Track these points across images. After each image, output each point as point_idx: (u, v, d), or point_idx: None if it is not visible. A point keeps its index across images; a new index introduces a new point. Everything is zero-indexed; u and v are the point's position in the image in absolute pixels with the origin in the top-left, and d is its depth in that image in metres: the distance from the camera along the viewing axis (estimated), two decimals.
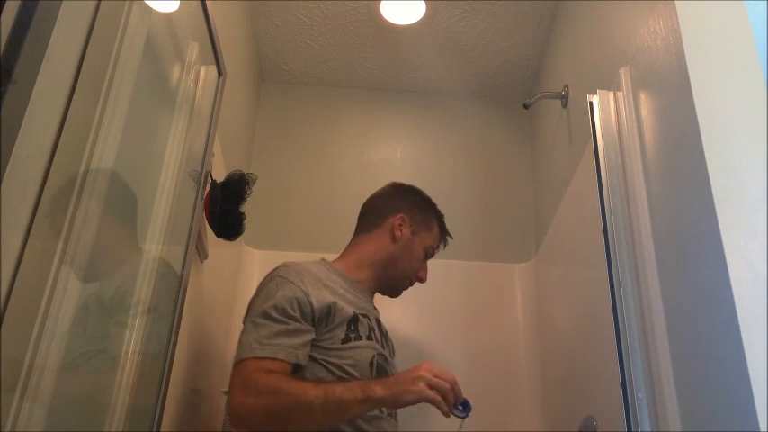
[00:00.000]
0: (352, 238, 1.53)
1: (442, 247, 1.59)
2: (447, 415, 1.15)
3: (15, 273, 0.59)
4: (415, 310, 1.98)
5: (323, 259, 1.44)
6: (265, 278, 1.33)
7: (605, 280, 1.16)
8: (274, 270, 1.33)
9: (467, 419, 1.16)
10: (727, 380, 0.83)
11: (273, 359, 1.17)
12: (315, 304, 1.25)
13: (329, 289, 1.31)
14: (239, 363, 1.18)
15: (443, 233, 1.57)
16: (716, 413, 0.86)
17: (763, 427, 0.75)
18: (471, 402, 1.17)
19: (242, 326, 1.30)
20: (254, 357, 1.16)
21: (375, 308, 1.47)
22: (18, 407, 0.62)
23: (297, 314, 1.23)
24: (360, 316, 1.33)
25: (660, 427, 0.98)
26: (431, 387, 1.12)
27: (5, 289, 0.57)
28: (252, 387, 1.13)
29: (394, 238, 1.46)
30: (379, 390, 1.12)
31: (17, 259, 0.59)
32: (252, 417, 1.11)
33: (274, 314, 1.22)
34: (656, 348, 1.02)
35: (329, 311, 1.27)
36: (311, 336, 1.24)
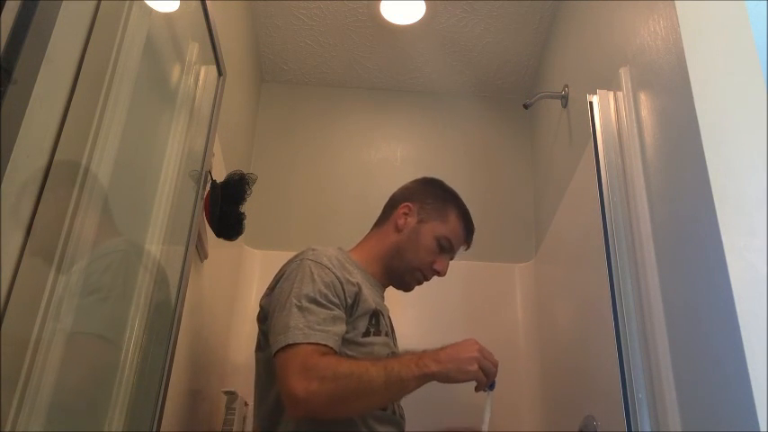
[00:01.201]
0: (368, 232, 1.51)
1: (464, 242, 1.49)
2: (478, 391, 1.21)
3: (15, 273, 0.59)
4: (415, 310, 1.98)
5: (340, 248, 1.40)
6: (293, 261, 1.29)
7: (605, 280, 1.16)
8: (302, 253, 1.30)
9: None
10: (727, 380, 0.83)
11: (325, 345, 1.14)
12: (347, 292, 1.25)
13: (353, 277, 1.29)
14: (290, 347, 1.12)
15: (466, 227, 1.48)
16: (716, 413, 0.86)
17: (763, 427, 0.75)
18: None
19: (264, 308, 1.27)
20: (308, 343, 1.13)
21: (386, 306, 1.45)
22: (18, 407, 0.62)
23: (338, 301, 1.22)
24: (380, 311, 1.33)
25: (660, 427, 0.98)
26: (481, 368, 1.16)
27: (5, 289, 0.57)
28: (313, 371, 1.09)
29: (397, 228, 1.44)
30: (433, 366, 1.14)
31: (17, 259, 0.59)
32: (317, 402, 1.08)
33: (321, 299, 1.19)
34: (656, 348, 1.02)
35: (355, 300, 1.27)
36: (345, 325, 1.23)
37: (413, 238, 1.42)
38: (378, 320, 1.31)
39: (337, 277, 1.25)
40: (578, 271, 1.59)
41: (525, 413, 1.91)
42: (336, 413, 1.14)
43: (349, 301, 1.25)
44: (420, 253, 1.41)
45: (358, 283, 1.29)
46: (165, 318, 1.10)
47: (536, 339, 1.97)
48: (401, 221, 1.44)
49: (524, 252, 2.17)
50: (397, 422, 1.29)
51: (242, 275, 2.07)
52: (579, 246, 1.58)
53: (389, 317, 1.42)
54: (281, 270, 1.32)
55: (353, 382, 1.10)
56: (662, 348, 1.01)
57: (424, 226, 1.43)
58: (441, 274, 1.44)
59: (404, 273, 1.43)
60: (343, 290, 1.25)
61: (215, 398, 1.73)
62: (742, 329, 0.80)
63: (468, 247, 1.52)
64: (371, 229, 1.51)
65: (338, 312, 1.21)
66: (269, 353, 1.20)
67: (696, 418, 0.91)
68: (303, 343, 1.13)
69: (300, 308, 1.18)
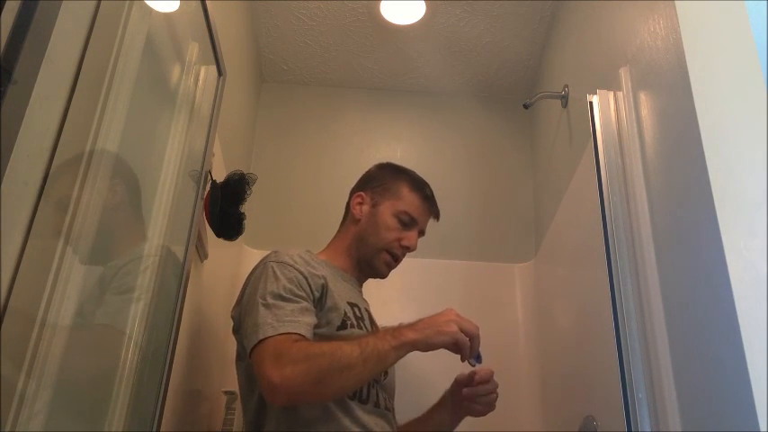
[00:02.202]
0: None
1: (427, 212, 1.47)
2: (464, 360, 1.18)
3: (15, 273, 0.59)
4: (415, 310, 1.97)
5: (307, 250, 1.41)
6: (257, 267, 1.30)
7: (605, 280, 1.16)
8: (265, 258, 1.30)
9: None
10: (727, 380, 0.83)
11: (296, 334, 1.14)
12: (312, 285, 1.25)
13: (318, 272, 1.30)
14: (261, 342, 1.12)
15: (423, 195, 1.46)
16: (716, 413, 0.86)
17: (763, 427, 0.75)
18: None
19: (235, 318, 1.28)
20: (278, 334, 1.12)
21: (365, 300, 1.45)
22: (18, 407, 0.62)
23: (304, 294, 1.22)
24: (355, 304, 1.33)
25: (660, 427, 0.98)
26: (461, 329, 1.15)
27: (5, 289, 0.57)
28: (285, 358, 1.08)
29: (354, 219, 1.44)
30: (410, 334, 1.13)
31: (17, 259, 0.59)
32: (293, 385, 1.07)
33: (286, 294, 1.19)
34: (656, 348, 1.02)
35: (323, 293, 1.27)
36: (315, 317, 1.23)
37: (371, 221, 1.43)
38: (354, 313, 1.31)
39: (300, 272, 1.25)
40: (578, 271, 1.59)
41: (525, 413, 1.91)
42: (316, 394, 1.12)
43: (316, 294, 1.25)
44: (381, 233, 1.41)
45: (324, 276, 1.29)
46: (165, 318, 1.10)
47: (536, 339, 1.97)
48: (356, 211, 1.45)
49: (524, 252, 2.17)
50: (384, 414, 1.28)
51: (242, 275, 2.06)
52: (579, 246, 1.58)
53: (368, 311, 1.41)
54: (247, 279, 1.32)
55: (326, 360, 1.08)
56: (662, 348, 1.01)
57: (380, 208, 1.43)
58: (410, 248, 1.43)
59: (371, 258, 1.42)
60: (309, 283, 1.24)
61: (215, 398, 1.73)
62: (742, 329, 0.80)
63: (437, 216, 1.51)
64: (336, 233, 1.51)
65: (306, 304, 1.21)
66: (247, 360, 1.20)
67: (696, 418, 0.91)
68: (274, 335, 1.12)
69: (267, 305, 1.17)
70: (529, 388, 1.94)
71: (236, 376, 1.70)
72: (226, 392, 1.68)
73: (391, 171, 1.51)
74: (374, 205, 1.44)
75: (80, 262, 0.74)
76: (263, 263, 1.29)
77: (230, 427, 1.62)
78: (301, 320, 1.17)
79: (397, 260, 1.44)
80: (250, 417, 1.25)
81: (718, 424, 0.85)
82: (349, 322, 1.28)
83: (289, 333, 1.13)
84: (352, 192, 1.51)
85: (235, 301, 1.33)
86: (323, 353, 1.10)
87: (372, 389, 1.27)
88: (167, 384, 1.07)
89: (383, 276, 1.46)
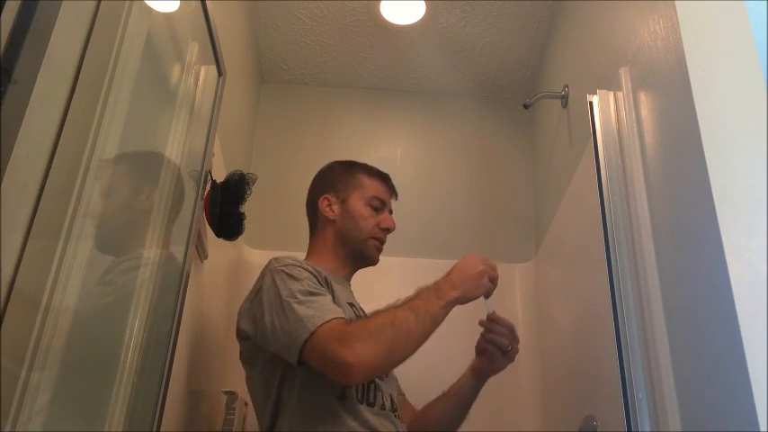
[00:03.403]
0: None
1: (390, 191, 1.53)
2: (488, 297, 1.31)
3: (15, 273, 0.59)
4: None
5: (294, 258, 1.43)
6: (263, 276, 1.30)
7: (605, 280, 1.16)
8: (268, 267, 1.31)
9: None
10: (727, 380, 0.83)
11: (342, 318, 1.17)
12: (321, 280, 1.28)
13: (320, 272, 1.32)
14: (314, 334, 1.12)
15: (381, 178, 1.53)
16: (716, 413, 0.86)
17: (763, 427, 0.75)
18: None
19: (245, 330, 1.29)
20: (326, 321, 1.14)
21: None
22: (18, 407, 0.62)
23: (324, 288, 1.26)
24: (348, 305, 1.34)
25: (660, 427, 0.98)
26: (490, 279, 1.26)
27: (5, 289, 0.57)
28: (349, 337, 1.11)
29: (329, 220, 1.46)
30: (453, 292, 1.20)
31: (17, 259, 0.59)
32: (368, 360, 1.10)
33: (313, 289, 1.22)
34: (656, 348, 1.02)
35: (329, 288, 1.29)
36: None
37: (346, 217, 1.46)
38: (354, 313, 1.34)
39: (310, 271, 1.28)
40: (578, 271, 1.59)
41: (525, 413, 1.91)
42: (388, 365, 1.18)
43: (327, 287, 1.28)
44: (360, 224, 1.45)
45: (325, 276, 1.31)
46: (165, 318, 1.10)
47: (536, 339, 1.97)
48: (329, 212, 1.47)
49: (524, 252, 2.17)
50: (389, 416, 1.28)
51: (242, 275, 2.07)
52: (579, 246, 1.58)
53: (362, 309, 1.43)
54: (254, 288, 1.33)
55: (389, 331, 1.13)
56: (662, 348, 1.01)
57: (349, 202, 1.47)
58: (391, 228, 1.48)
59: (360, 248, 1.45)
60: (318, 279, 1.27)
61: (215, 398, 1.73)
62: (742, 329, 0.80)
63: (396, 194, 1.56)
64: (310, 242, 1.52)
65: (330, 296, 1.25)
66: (264, 366, 1.24)
67: (696, 418, 0.91)
68: (323, 324, 1.14)
69: (300, 302, 1.19)
70: (529, 388, 1.94)
71: (236, 376, 1.71)
72: (226, 392, 1.67)
73: (343, 167, 1.55)
74: (343, 202, 1.47)
75: (80, 263, 0.74)
76: (268, 270, 1.29)
77: (230, 427, 1.62)
78: (334, 308, 1.20)
79: (382, 243, 1.49)
80: (266, 423, 1.26)
81: (718, 424, 0.85)
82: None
83: (335, 318, 1.15)
84: (315, 198, 1.52)
85: (241, 308, 1.34)
86: (383, 325, 1.13)
87: (378, 391, 1.28)
88: (167, 384, 1.07)
89: (376, 262, 1.49)
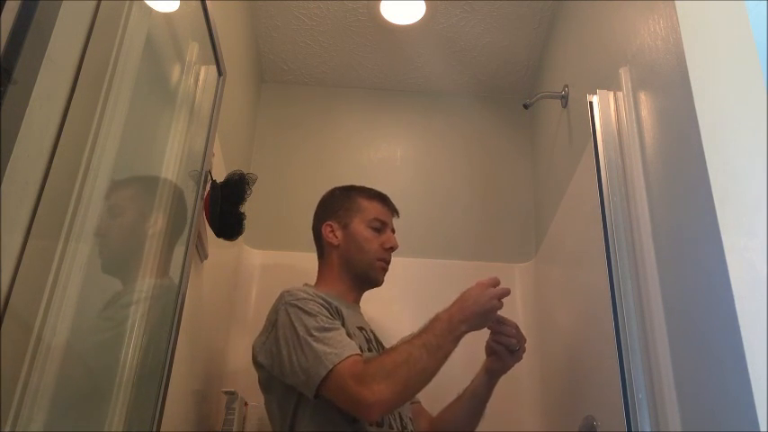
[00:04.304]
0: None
1: (389, 211, 1.57)
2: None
3: (15, 273, 0.59)
4: (415, 311, 1.98)
5: (306, 284, 1.48)
6: (278, 311, 1.32)
7: (605, 280, 1.16)
8: (280, 301, 1.34)
9: None
10: (727, 380, 0.83)
11: (358, 354, 1.22)
12: (332, 311, 1.32)
13: (330, 301, 1.35)
14: (332, 372, 1.18)
15: (380, 199, 1.57)
16: (716, 413, 0.86)
17: (763, 427, 0.75)
18: None
19: (263, 362, 1.32)
20: (344, 359, 1.19)
21: (365, 321, 1.51)
22: (18, 407, 0.62)
23: (336, 320, 1.30)
24: (363, 327, 1.40)
25: (660, 427, 0.98)
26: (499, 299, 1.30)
27: (5, 289, 0.57)
28: (367, 377, 1.17)
29: (333, 246, 1.51)
30: (463, 326, 1.25)
31: (17, 259, 0.59)
32: (385, 399, 1.16)
33: (328, 325, 1.26)
34: (656, 348, 1.02)
35: (341, 316, 1.33)
36: None
37: (350, 241, 1.50)
38: (365, 336, 1.39)
39: (321, 303, 1.31)
40: (578, 271, 1.59)
41: (525, 413, 1.91)
42: (403, 400, 1.24)
43: (338, 318, 1.32)
44: (365, 246, 1.49)
45: (336, 306, 1.35)
46: (165, 318, 1.10)
47: (536, 339, 1.97)
48: (332, 239, 1.52)
49: (524, 252, 2.17)
50: None
51: (242, 275, 2.07)
52: (579, 246, 1.58)
53: (372, 330, 1.49)
54: (268, 321, 1.35)
55: (405, 370, 1.18)
56: (662, 348, 1.01)
57: (351, 226, 1.51)
58: (394, 247, 1.53)
59: (367, 271, 1.50)
60: (330, 311, 1.31)
61: (215, 398, 1.73)
62: (742, 329, 0.80)
63: (397, 212, 1.60)
64: (318, 268, 1.56)
65: (343, 329, 1.29)
66: (279, 394, 1.30)
67: (696, 418, 0.91)
68: (340, 362, 1.19)
69: (317, 339, 1.23)
70: (529, 388, 1.94)
71: (236, 376, 1.73)
72: (226, 392, 1.67)
73: (342, 192, 1.59)
74: (345, 227, 1.52)
75: (80, 263, 0.74)
76: (282, 305, 1.32)
77: (230, 427, 1.62)
78: (350, 343, 1.24)
79: (388, 263, 1.52)
80: None
81: (718, 424, 0.85)
82: (363, 347, 1.35)
83: (351, 355, 1.20)
84: (318, 225, 1.56)
85: (257, 341, 1.37)
86: (399, 363, 1.18)
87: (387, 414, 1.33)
88: (167, 384, 1.07)
89: (380, 283, 1.53)
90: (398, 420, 1.35)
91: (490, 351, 1.45)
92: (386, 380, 1.16)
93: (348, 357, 1.19)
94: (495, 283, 1.31)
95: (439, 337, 1.22)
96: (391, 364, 1.19)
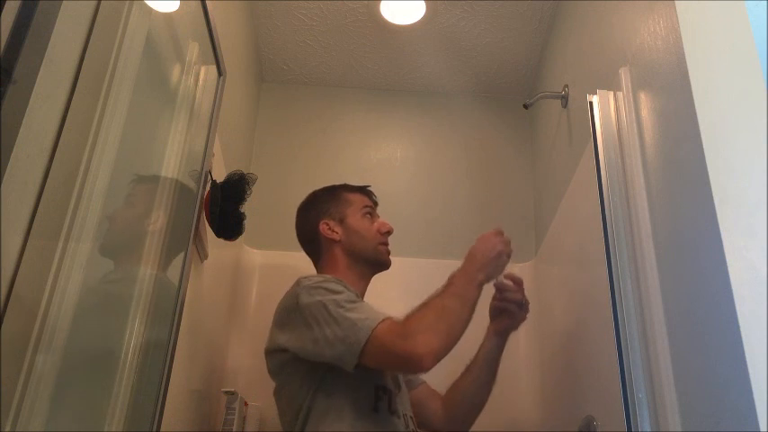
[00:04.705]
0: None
1: (372, 198, 1.62)
2: None
3: (15, 273, 0.59)
4: None
5: None
6: (298, 294, 1.32)
7: (605, 280, 1.16)
8: (298, 285, 1.34)
9: None
10: (727, 380, 0.83)
11: (390, 318, 1.24)
12: (353, 293, 1.34)
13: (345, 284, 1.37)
14: (372, 335, 1.19)
15: (360, 190, 1.62)
16: (716, 413, 0.86)
17: (763, 427, 0.75)
18: None
19: (276, 355, 1.33)
20: (381, 321, 1.21)
21: None
22: (18, 407, 0.62)
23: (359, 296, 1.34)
24: None
25: (660, 427, 0.98)
26: (506, 253, 1.36)
27: (5, 289, 0.57)
28: (410, 332, 1.19)
29: (334, 241, 1.52)
30: (480, 276, 1.31)
31: (17, 259, 0.59)
32: (434, 348, 1.18)
33: (354, 298, 1.30)
34: (656, 348, 1.02)
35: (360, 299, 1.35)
36: None
37: (350, 233, 1.53)
38: None
39: (341, 283, 1.33)
40: (578, 271, 1.59)
41: (525, 413, 1.91)
42: (450, 348, 1.23)
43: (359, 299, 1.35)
44: (365, 234, 1.53)
45: (351, 288, 1.36)
46: (164, 318, 1.10)
47: (536, 339, 1.97)
48: (332, 234, 1.53)
49: (524, 252, 2.17)
50: (407, 422, 1.34)
51: (242, 275, 2.07)
52: (579, 246, 1.58)
53: None
54: (284, 307, 1.35)
55: (444, 320, 1.21)
56: (662, 348, 1.01)
57: (347, 219, 1.55)
58: (390, 230, 1.56)
59: (374, 256, 1.53)
60: (350, 290, 1.33)
61: (215, 398, 1.73)
62: (742, 329, 0.80)
63: (377, 202, 1.63)
64: (318, 268, 1.56)
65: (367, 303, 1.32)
66: (299, 378, 1.29)
67: (696, 418, 0.91)
68: (377, 325, 1.20)
69: (349, 309, 1.25)
70: (529, 388, 1.94)
71: (236, 376, 1.73)
72: (226, 392, 1.67)
73: (326, 192, 1.63)
74: (341, 221, 1.54)
75: (80, 263, 0.74)
76: (301, 288, 1.32)
77: (230, 427, 1.62)
78: (379, 311, 1.27)
79: (387, 245, 1.57)
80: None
81: (718, 424, 0.85)
82: None
83: (386, 318, 1.23)
84: (313, 226, 1.56)
85: (275, 325, 1.37)
86: (437, 314, 1.22)
87: (394, 400, 1.34)
88: (167, 384, 1.07)
89: (389, 264, 1.56)
90: (404, 411, 1.36)
91: (497, 312, 1.51)
92: (430, 330, 1.19)
93: (384, 320, 1.21)
94: (499, 232, 1.38)
95: (463, 288, 1.27)
96: (430, 315, 1.22)
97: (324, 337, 1.23)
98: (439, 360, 1.22)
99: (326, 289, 1.29)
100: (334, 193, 1.60)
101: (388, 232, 1.55)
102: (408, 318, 1.23)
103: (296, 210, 1.64)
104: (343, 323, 1.22)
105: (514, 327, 1.52)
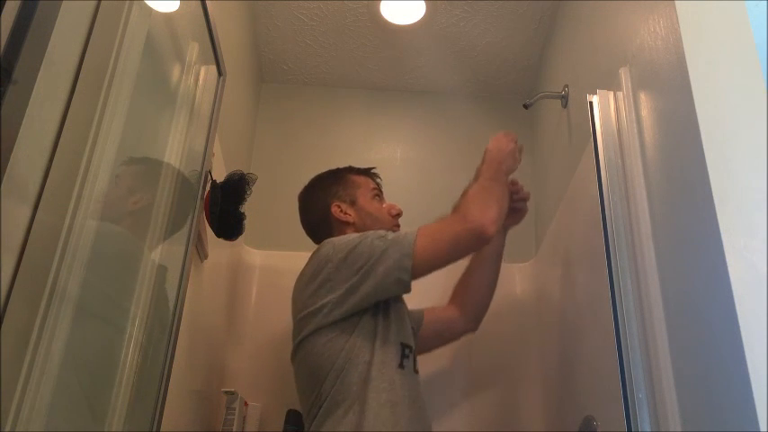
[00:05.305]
0: None
1: (376, 180, 1.66)
2: None
3: (15, 273, 0.59)
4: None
5: None
6: (329, 253, 1.36)
7: (605, 280, 1.16)
8: (326, 243, 1.39)
9: None
10: (727, 380, 0.83)
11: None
12: None
13: None
14: (420, 233, 1.32)
15: (364, 172, 1.65)
16: (716, 413, 0.86)
17: (763, 427, 0.75)
18: None
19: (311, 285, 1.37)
20: (420, 227, 1.33)
21: None
22: (18, 407, 0.62)
23: None
24: None
25: (660, 427, 0.98)
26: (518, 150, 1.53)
27: (5, 289, 0.57)
28: (462, 213, 1.34)
29: (349, 223, 1.54)
30: (502, 168, 1.47)
31: (17, 259, 0.59)
32: (491, 215, 1.33)
33: (382, 232, 1.37)
34: (656, 348, 1.02)
35: None
36: None
37: (363, 215, 1.56)
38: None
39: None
40: (578, 271, 1.59)
41: (525, 413, 1.91)
42: (502, 217, 1.41)
43: None
44: (378, 216, 1.56)
45: None
46: (164, 318, 1.10)
47: (536, 339, 1.97)
48: (345, 217, 1.55)
49: (524, 252, 2.17)
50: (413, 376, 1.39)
51: (242, 275, 2.07)
52: (579, 246, 1.58)
53: None
54: (314, 270, 1.38)
55: (490, 196, 1.38)
56: (662, 348, 1.01)
57: (358, 201, 1.58)
58: (400, 211, 1.62)
59: None
60: None
61: (215, 398, 1.73)
62: (742, 329, 0.80)
63: (380, 182, 1.68)
64: None
65: None
66: (338, 328, 1.32)
67: (696, 418, 0.91)
68: (418, 229, 1.32)
69: (383, 236, 1.34)
70: (529, 388, 1.94)
71: (236, 376, 1.72)
72: (226, 392, 1.68)
73: (332, 175, 1.66)
74: (353, 203, 1.57)
75: (80, 263, 0.74)
76: (328, 243, 1.39)
77: (230, 428, 1.62)
78: None
79: (399, 227, 1.60)
80: (320, 396, 1.31)
81: (718, 424, 0.85)
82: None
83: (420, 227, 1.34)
84: (325, 209, 1.58)
85: (306, 288, 1.39)
86: (481, 194, 1.38)
87: (416, 360, 1.42)
88: (167, 384, 1.07)
89: None
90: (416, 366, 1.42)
91: (509, 211, 1.59)
92: (481, 205, 1.33)
93: (420, 227, 1.33)
94: (508, 133, 1.53)
95: (493, 175, 1.43)
96: (475, 197, 1.37)
97: (370, 259, 1.29)
98: (498, 227, 1.38)
99: (352, 236, 1.38)
100: (341, 176, 1.62)
101: (399, 214, 1.58)
102: (455, 208, 1.38)
103: (298, 196, 1.66)
104: (388, 238, 1.32)
105: (517, 222, 1.66)
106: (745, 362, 0.79)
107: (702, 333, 0.91)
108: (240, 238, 1.58)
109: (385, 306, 1.38)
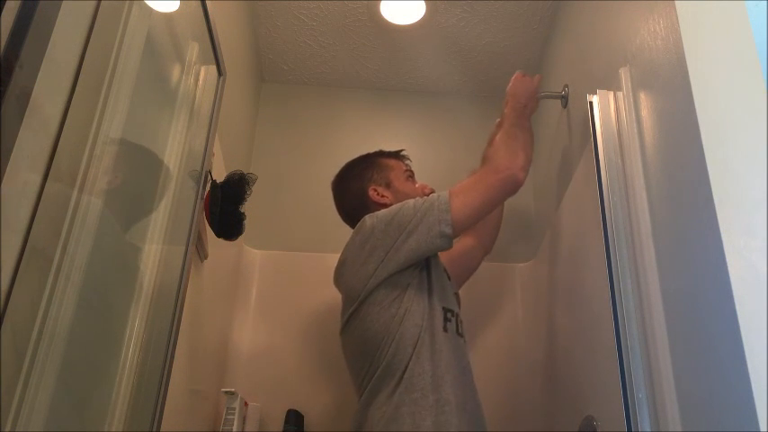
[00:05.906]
0: None
1: (407, 161, 1.71)
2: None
3: (15, 273, 0.59)
4: None
5: None
6: (375, 216, 1.43)
7: (605, 280, 1.16)
8: (366, 219, 1.44)
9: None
10: (727, 380, 0.83)
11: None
12: None
13: None
14: (452, 191, 1.40)
15: (394, 155, 1.70)
16: (716, 413, 0.86)
17: (763, 427, 0.75)
18: None
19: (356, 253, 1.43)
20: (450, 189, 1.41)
21: None
22: (18, 407, 0.62)
23: None
24: None
25: (660, 427, 0.98)
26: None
27: (5, 289, 0.57)
28: (493, 164, 1.43)
29: (386, 204, 1.56)
30: (527, 111, 1.59)
31: (17, 259, 0.59)
32: (523, 160, 1.44)
33: (420, 199, 1.43)
34: (656, 348, 1.02)
35: None
36: None
37: (400, 196, 1.59)
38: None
39: None
40: (578, 271, 1.59)
41: (525, 413, 1.91)
42: (530, 161, 1.49)
43: None
44: (412, 195, 1.59)
45: None
46: (165, 318, 1.10)
47: (536, 339, 1.97)
48: (383, 199, 1.60)
49: (524, 252, 2.17)
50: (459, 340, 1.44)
51: (242, 275, 2.07)
52: (579, 246, 1.58)
53: None
54: (357, 243, 1.44)
55: (516, 142, 1.47)
56: (662, 348, 1.01)
57: (393, 183, 1.63)
58: (433, 190, 1.63)
59: None
60: None
61: (215, 398, 1.73)
62: (742, 329, 0.80)
63: (410, 163, 1.74)
64: None
65: None
66: (389, 287, 1.38)
67: (696, 418, 0.91)
68: (450, 189, 1.40)
69: (417, 202, 1.41)
70: (529, 388, 1.94)
71: (236, 376, 1.71)
72: (226, 392, 1.68)
73: (364, 160, 1.70)
74: (388, 186, 1.62)
75: (80, 263, 0.74)
76: (370, 218, 1.44)
77: (230, 427, 1.62)
78: None
79: None
80: (377, 366, 1.35)
81: (718, 424, 0.85)
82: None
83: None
84: (363, 193, 1.62)
85: (355, 261, 1.44)
86: (508, 143, 1.47)
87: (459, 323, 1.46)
88: (167, 384, 1.07)
89: None
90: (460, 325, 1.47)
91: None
92: (509, 153, 1.42)
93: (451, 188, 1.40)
94: (524, 74, 1.63)
95: (517, 120, 1.52)
96: (502, 144, 1.45)
97: (417, 216, 1.36)
98: (527, 171, 1.46)
99: (396, 205, 1.43)
100: (373, 161, 1.66)
101: (431, 191, 1.60)
102: (484, 158, 1.47)
103: (332, 185, 1.71)
104: (427, 200, 1.39)
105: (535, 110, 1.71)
106: (745, 362, 0.79)
107: (702, 333, 0.91)
108: (240, 238, 1.58)
109: (428, 274, 1.44)
